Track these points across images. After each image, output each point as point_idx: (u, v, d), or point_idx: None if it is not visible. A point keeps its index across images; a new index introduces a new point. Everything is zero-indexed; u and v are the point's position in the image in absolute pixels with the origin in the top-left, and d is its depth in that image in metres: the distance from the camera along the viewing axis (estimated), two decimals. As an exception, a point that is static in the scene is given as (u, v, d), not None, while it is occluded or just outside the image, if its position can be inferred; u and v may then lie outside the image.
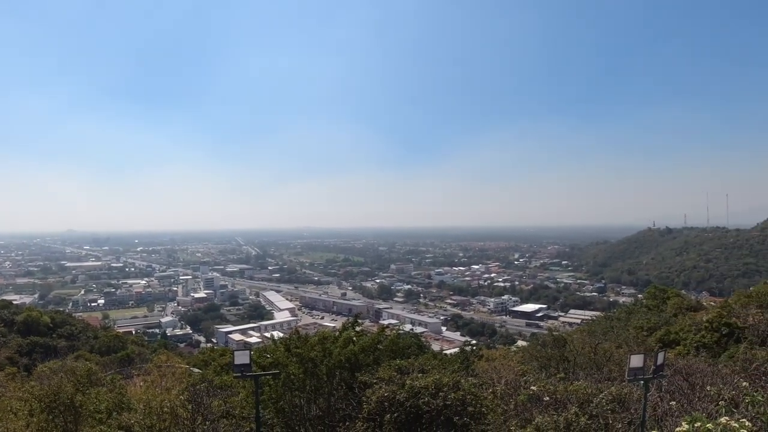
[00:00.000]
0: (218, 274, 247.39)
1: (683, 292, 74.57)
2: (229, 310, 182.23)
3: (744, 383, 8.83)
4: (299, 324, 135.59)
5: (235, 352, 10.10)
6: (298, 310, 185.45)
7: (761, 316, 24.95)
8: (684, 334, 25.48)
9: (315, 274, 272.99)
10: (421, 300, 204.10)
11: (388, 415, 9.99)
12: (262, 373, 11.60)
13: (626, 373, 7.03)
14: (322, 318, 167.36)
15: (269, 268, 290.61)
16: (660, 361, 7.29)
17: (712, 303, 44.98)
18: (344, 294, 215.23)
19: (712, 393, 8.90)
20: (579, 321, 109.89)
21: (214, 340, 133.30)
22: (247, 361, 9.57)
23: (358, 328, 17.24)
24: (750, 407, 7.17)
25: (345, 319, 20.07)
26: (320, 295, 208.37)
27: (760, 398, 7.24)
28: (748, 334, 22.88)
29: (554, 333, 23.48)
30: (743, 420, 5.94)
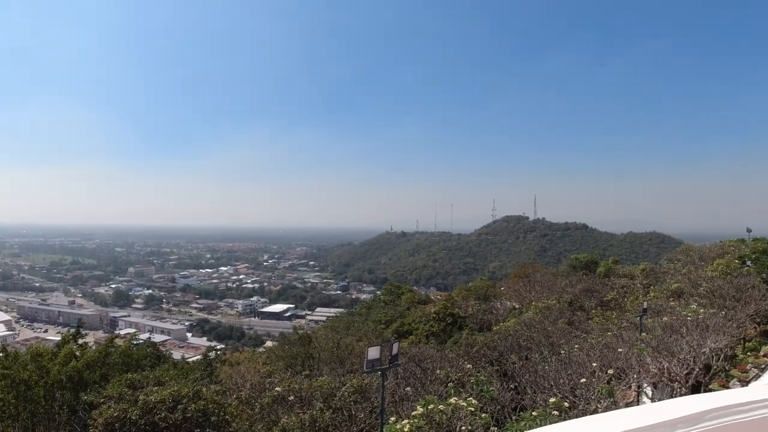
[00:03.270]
0: None
1: (415, 287, 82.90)
2: None
3: (468, 365, 9.86)
4: (17, 340, 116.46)
5: None
6: (15, 322, 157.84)
7: (478, 307, 29.13)
8: (416, 325, 28.04)
9: (36, 279, 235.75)
10: (164, 305, 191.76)
11: (120, 437, 9.10)
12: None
13: (364, 365, 6.98)
14: (46, 331, 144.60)
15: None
16: (395, 351, 7.45)
17: (439, 296, 50.96)
18: (73, 302, 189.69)
19: (441, 376, 9.70)
20: (325, 318, 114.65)
21: None
22: None
23: (82, 341, 15.30)
24: (474, 386, 7.94)
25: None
26: (43, 305, 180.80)
27: (482, 378, 8.11)
28: (468, 322, 26.37)
29: (299, 331, 23.67)
30: (470, 398, 6.59)
